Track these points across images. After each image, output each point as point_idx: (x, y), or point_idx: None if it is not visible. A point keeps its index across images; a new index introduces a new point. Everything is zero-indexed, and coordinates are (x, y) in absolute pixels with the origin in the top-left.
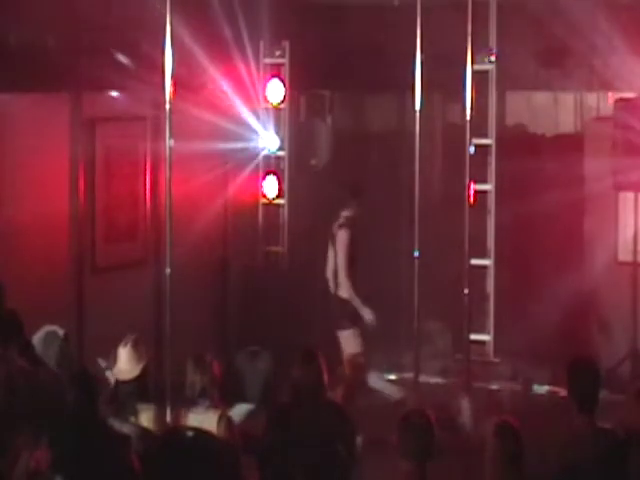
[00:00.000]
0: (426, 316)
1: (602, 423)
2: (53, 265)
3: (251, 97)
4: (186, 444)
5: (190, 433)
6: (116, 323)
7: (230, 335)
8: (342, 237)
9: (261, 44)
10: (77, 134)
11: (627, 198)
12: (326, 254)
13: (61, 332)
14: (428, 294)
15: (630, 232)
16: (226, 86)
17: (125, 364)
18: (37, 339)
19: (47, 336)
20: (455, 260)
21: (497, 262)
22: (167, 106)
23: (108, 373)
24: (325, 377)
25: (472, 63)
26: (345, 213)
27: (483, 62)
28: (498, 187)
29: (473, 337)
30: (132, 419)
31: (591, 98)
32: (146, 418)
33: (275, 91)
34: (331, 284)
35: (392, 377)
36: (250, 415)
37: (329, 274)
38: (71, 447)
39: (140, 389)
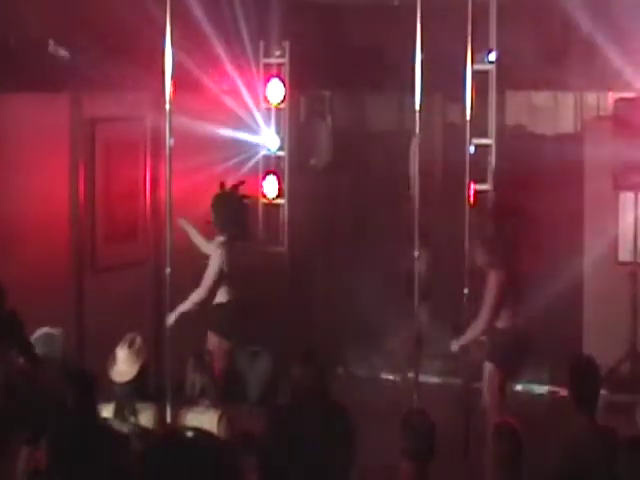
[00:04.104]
0: (426, 316)
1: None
2: (53, 265)
3: (251, 97)
4: (186, 444)
5: (190, 433)
6: (116, 323)
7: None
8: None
9: (261, 44)
10: (77, 134)
11: (627, 198)
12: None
13: (58, 332)
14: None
15: (630, 232)
16: (226, 86)
17: (123, 365)
18: (34, 340)
19: (44, 337)
20: (455, 260)
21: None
22: (167, 106)
23: None
24: (325, 377)
25: (472, 63)
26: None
27: (483, 62)
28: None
29: None
30: (132, 419)
31: (591, 98)
32: (146, 418)
33: (275, 91)
34: None
35: (391, 377)
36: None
37: None
38: (71, 447)
39: (138, 391)
